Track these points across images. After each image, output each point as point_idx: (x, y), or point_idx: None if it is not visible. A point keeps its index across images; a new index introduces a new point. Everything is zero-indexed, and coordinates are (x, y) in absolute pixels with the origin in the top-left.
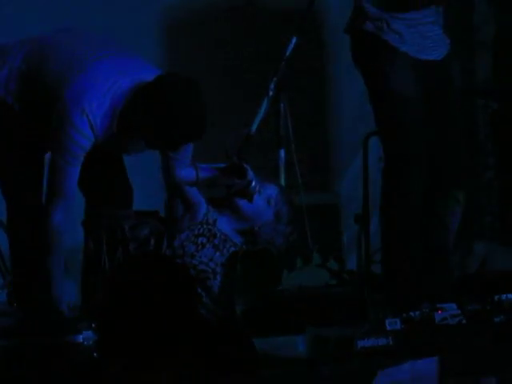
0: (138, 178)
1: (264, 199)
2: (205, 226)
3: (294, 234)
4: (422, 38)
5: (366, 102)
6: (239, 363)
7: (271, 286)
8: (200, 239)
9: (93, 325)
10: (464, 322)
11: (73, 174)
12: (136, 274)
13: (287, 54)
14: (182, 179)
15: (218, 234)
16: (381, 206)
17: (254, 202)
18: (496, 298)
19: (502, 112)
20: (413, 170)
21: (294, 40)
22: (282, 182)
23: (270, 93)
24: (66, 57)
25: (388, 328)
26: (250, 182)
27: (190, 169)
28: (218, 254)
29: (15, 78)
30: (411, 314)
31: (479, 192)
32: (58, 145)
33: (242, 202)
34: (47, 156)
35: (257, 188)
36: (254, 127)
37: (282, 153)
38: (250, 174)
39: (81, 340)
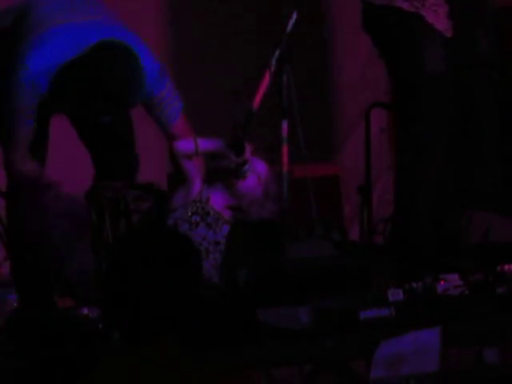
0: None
1: (255, 176)
2: (198, 205)
3: (281, 211)
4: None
5: (366, 73)
6: (242, 334)
7: (274, 257)
8: (194, 218)
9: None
10: (466, 292)
11: (29, 128)
12: (140, 246)
13: (288, 29)
14: (181, 151)
15: (212, 213)
16: (395, 176)
17: (247, 179)
18: (498, 268)
19: (504, 83)
20: (434, 145)
21: (294, 15)
22: (285, 153)
23: (272, 68)
24: (33, 19)
25: (390, 299)
26: (246, 162)
27: (189, 140)
28: (210, 232)
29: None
30: (413, 284)
31: (481, 162)
32: (9, 104)
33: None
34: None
35: (249, 171)
36: (256, 104)
37: (285, 124)
38: (248, 154)
39: (86, 312)
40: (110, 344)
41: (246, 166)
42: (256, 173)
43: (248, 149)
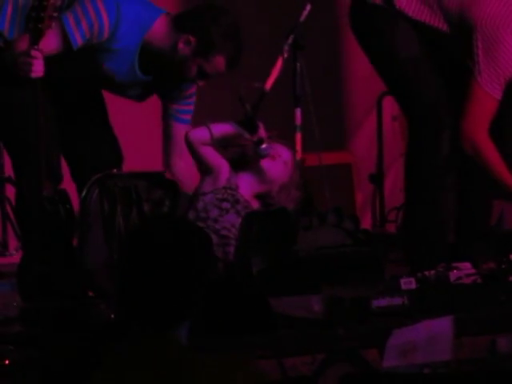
0: (152, 139)
1: (282, 162)
2: (229, 191)
3: (301, 199)
4: None
5: None
6: (255, 324)
7: (287, 245)
8: (224, 204)
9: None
10: (479, 281)
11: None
12: (152, 236)
13: (301, 19)
14: (196, 140)
15: (241, 200)
16: (405, 163)
17: (274, 164)
18: (511, 257)
19: None
20: (433, 128)
21: (308, 7)
22: (299, 141)
23: (285, 54)
24: None
25: (403, 287)
26: (261, 140)
27: (202, 128)
28: (240, 220)
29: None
30: (426, 273)
31: None
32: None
33: (265, 164)
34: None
35: (267, 151)
36: (269, 85)
37: (298, 112)
38: (262, 132)
39: (98, 302)
40: (122, 335)
41: (264, 145)
42: (282, 158)
43: (261, 126)
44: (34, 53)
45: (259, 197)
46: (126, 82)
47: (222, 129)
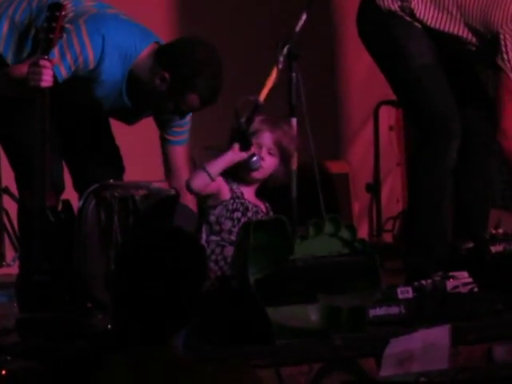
0: (153, 150)
1: (267, 153)
2: (237, 201)
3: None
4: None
5: (375, 70)
6: (253, 333)
7: (283, 255)
8: (235, 214)
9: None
10: (476, 290)
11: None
12: (147, 247)
13: (297, 29)
14: (200, 188)
15: (250, 207)
16: (411, 171)
17: (264, 163)
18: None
19: None
20: (442, 137)
21: (304, 16)
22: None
23: (280, 65)
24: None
25: (400, 297)
26: (253, 155)
27: (200, 174)
28: None
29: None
30: (423, 282)
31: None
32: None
33: (253, 173)
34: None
35: (258, 163)
36: (262, 98)
37: (294, 122)
38: (254, 146)
39: (95, 312)
40: (119, 344)
41: (255, 158)
42: (266, 148)
43: (254, 141)
44: (43, 62)
45: (261, 194)
46: (115, 108)
47: (219, 166)
